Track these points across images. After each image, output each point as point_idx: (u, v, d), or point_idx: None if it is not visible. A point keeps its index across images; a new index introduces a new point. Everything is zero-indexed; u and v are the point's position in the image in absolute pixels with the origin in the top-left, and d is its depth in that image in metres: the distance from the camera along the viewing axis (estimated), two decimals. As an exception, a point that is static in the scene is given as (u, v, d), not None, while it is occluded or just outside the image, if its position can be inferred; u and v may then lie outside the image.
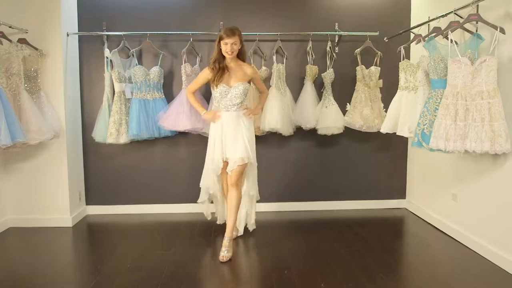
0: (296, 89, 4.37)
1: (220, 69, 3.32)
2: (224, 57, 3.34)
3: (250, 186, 3.59)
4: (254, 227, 3.74)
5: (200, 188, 3.57)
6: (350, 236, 3.77)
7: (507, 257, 2.99)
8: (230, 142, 3.34)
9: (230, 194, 3.41)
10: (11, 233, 3.89)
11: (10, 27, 3.65)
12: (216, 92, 3.37)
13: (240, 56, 3.44)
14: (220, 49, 3.31)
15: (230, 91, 3.34)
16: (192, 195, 3.36)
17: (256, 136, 3.68)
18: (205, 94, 4.30)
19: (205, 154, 3.52)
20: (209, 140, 3.49)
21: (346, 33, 4.36)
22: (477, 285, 2.79)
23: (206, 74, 3.42)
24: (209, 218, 3.69)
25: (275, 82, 4.20)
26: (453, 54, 3.04)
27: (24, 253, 3.48)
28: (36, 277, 2.95)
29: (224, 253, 3.21)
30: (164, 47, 4.35)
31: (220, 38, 3.28)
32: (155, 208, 4.49)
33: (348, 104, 4.24)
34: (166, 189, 4.50)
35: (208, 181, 3.54)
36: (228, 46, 3.26)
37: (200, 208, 3.68)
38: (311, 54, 4.32)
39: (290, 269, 3.02)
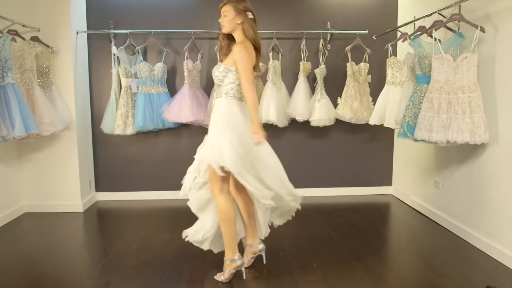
0: (290, 84, 4.34)
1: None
2: (225, 34, 2.59)
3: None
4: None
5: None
6: (340, 220, 3.78)
7: (483, 238, 3.01)
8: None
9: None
10: (26, 218, 3.89)
11: (23, 26, 3.63)
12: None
13: (240, 33, 2.51)
14: None
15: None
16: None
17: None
18: (206, 88, 4.29)
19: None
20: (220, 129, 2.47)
21: (337, 31, 4.32)
22: (456, 264, 2.81)
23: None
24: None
25: (271, 78, 4.18)
26: (436, 51, 3.02)
27: (38, 236, 3.48)
28: (49, 258, 2.95)
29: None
30: (168, 44, 4.32)
31: None
32: (159, 195, 4.48)
33: (339, 98, 4.22)
34: (169, 177, 4.48)
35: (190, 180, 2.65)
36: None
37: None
38: (305, 51, 4.29)
39: (285, 251, 3.03)
